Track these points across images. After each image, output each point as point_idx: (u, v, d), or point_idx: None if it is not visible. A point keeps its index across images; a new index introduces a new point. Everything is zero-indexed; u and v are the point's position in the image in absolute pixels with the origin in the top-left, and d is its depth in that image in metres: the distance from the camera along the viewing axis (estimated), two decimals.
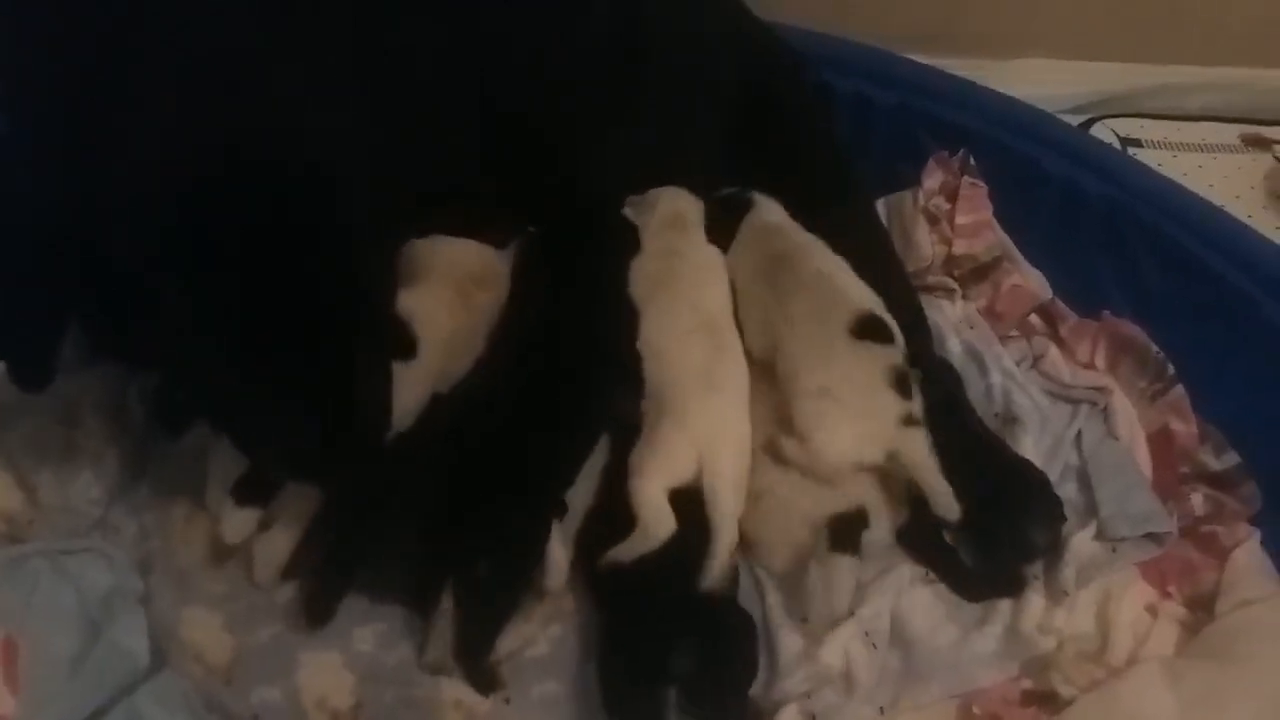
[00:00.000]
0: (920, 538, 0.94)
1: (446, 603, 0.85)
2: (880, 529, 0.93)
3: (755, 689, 0.86)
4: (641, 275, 1.03)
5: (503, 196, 1.06)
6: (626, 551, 0.86)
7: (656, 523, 0.86)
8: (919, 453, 0.92)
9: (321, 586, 0.87)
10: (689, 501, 0.88)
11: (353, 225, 0.83)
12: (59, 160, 0.74)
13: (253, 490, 0.87)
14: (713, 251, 1.06)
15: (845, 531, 0.89)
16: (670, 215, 1.07)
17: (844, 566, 0.89)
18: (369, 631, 0.88)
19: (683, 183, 1.09)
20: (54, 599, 0.83)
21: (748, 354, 1.00)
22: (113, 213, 0.74)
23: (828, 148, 1.16)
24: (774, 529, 0.92)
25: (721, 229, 1.07)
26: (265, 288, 0.78)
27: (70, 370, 0.99)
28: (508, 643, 0.87)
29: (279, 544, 0.88)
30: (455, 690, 0.85)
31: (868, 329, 0.98)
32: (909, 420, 0.94)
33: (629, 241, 1.05)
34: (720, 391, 0.95)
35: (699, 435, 0.91)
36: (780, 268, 1.03)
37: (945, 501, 0.92)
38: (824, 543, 0.89)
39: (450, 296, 1.00)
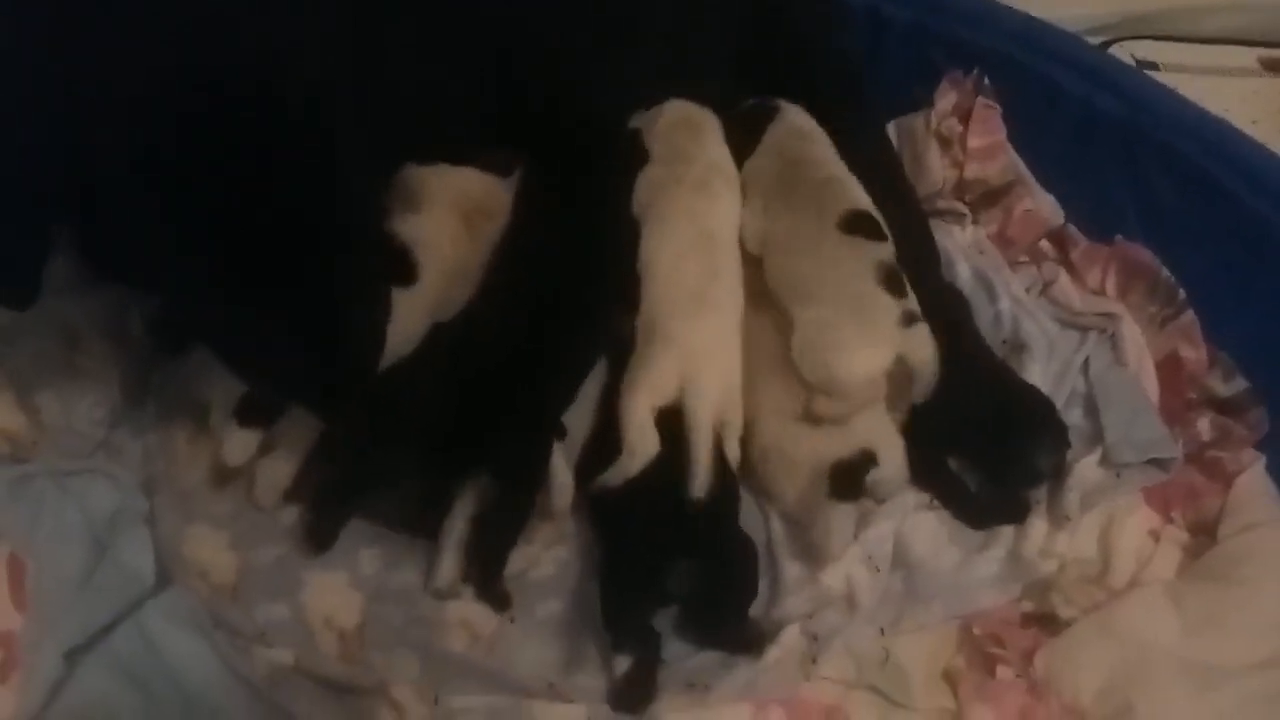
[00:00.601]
0: (924, 466, 0.94)
1: (452, 528, 0.86)
2: (891, 465, 0.91)
3: (756, 610, 0.87)
4: (645, 182, 1.01)
5: (505, 123, 1.04)
6: (615, 474, 0.86)
7: (640, 442, 0.86)
8: (924, 350, 0.91)
9: (321, 514, 0.88)
10: (675, 421, 0.88)
11: (340, 145, 0.82)
12: (45, 70, 0.73)
13: (255, 412, 0.87)
14: (722, 155, 1.03)
15: (847, 478, 0.88)
16: (679, 119, 1.04)
17: (843, 514, 0.88)
18: (374, 554, 0.88)
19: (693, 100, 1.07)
20: (60, 518, 0.84)
21: (752, 262, 0.98)
22: (97, 123, 0.72)
23: (839, 66, 1.13)
24: (778, 480, 0.92)
25: (744, 142, 1.04)
26: (250, 206, 0.76)
27: (71, 292, 0.99)
28: (513, 564, 0.87)
29: (280, 468, 0.88)
30: (461, 610, 0.86)
31: (858, 224, 0.96)
32: (909, 318, 0.92)
33: (633, 154, 1.03)
34: (713, 311, 0.94)
35: (685, 354, 0.90)
36: (795, 171, 1.01)
37: (926, 388, 0.91)
38: (824, 490, 0.88)
39: (455, 225, 0.98)
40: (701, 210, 0.99)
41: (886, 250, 0.95)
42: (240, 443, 0.87)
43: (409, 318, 0.92)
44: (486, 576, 0.85)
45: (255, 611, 0.84)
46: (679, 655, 0.85)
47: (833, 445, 0.89)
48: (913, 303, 0.93)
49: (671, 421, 0.88)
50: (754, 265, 0.98)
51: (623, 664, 0.82)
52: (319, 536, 0.87)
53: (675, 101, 1.07)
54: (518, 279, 0.97)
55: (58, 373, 0.94)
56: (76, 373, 0.94)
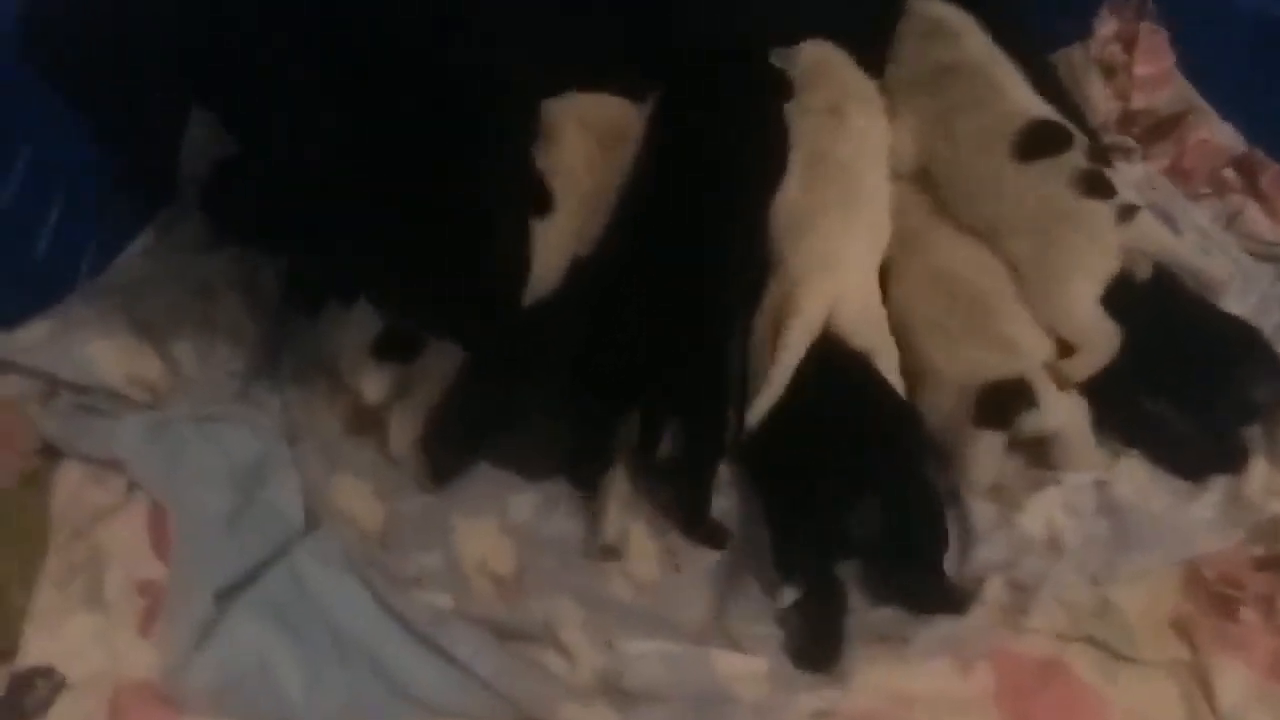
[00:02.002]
0: (1119, 413, 0.84)
1: (613, 479, 0.80)
2: (1051, 414, 0.80)
3: (948, 562, 0.78)
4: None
5: (643, 58, 1.00)
6: (754, 411, 0.78)
7: (774, 371, 0.79)
8: (1154, 234, 0.84)
9: (450, 445, 0.82)
10: (834, 349, 0.81)
11: (485, 76, 0.78)
12: None
13: (393, 347, 0.82)
14: (856, 80, 0.96)
15: (994, 402, 0.79)
16: (815, 60, 0.98)
17: (988, 441, 0.79)
18: (525, 499, 0.83)
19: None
20: (202, 462, 0.80)
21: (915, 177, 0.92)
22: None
23: None
24: (925, 398, 0.83)
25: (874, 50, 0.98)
26: (408, 128, 0.74)
27: (202, 249, 0.96)
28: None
29: (413, 414, 0.83)
30: (624, 560, 0.79)
31: (1034, 144, 0.88)
32: (1124, 214, 0.84)
33: (780, 85, 0.97)
34: (840, 237, 0.86)
35: (796, 278, 0.83)
36: (948, 76, 0.94)
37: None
38: (968, 412, 0.80)
39: (589, 150, 0.93)
40: (828, 137, 0.92)
41: (1077, 155, 0.87)
42: (378, 379, 0.82)
43: (549, 249, 0.86)
44: (695, 518, 0.79)
45: (407, 559, 0.78)
46: (868, 603, 0.77)
47: (988, 364, 0.81)
48: (1125, 195, 0.86)
49: (830, 351, 0.81)
50: (916, 181, 0.92)
51: (800, 619, 0.75)
52: (438, 471, 0.82)
53: (810, 43, 1.01)
54: (657, 206, 0.90)
55: (194, 325, 0.90)
56: (212, 325, 0.91)
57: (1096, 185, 0.85)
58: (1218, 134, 1.04)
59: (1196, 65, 1.05)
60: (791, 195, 0.89)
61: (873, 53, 0.99)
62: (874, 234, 0.88)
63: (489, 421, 0.82)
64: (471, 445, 0.83)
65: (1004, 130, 0.90)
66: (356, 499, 0.82)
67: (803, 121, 0.93)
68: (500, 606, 0.76)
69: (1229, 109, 1.04)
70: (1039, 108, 0.92)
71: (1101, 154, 0.89)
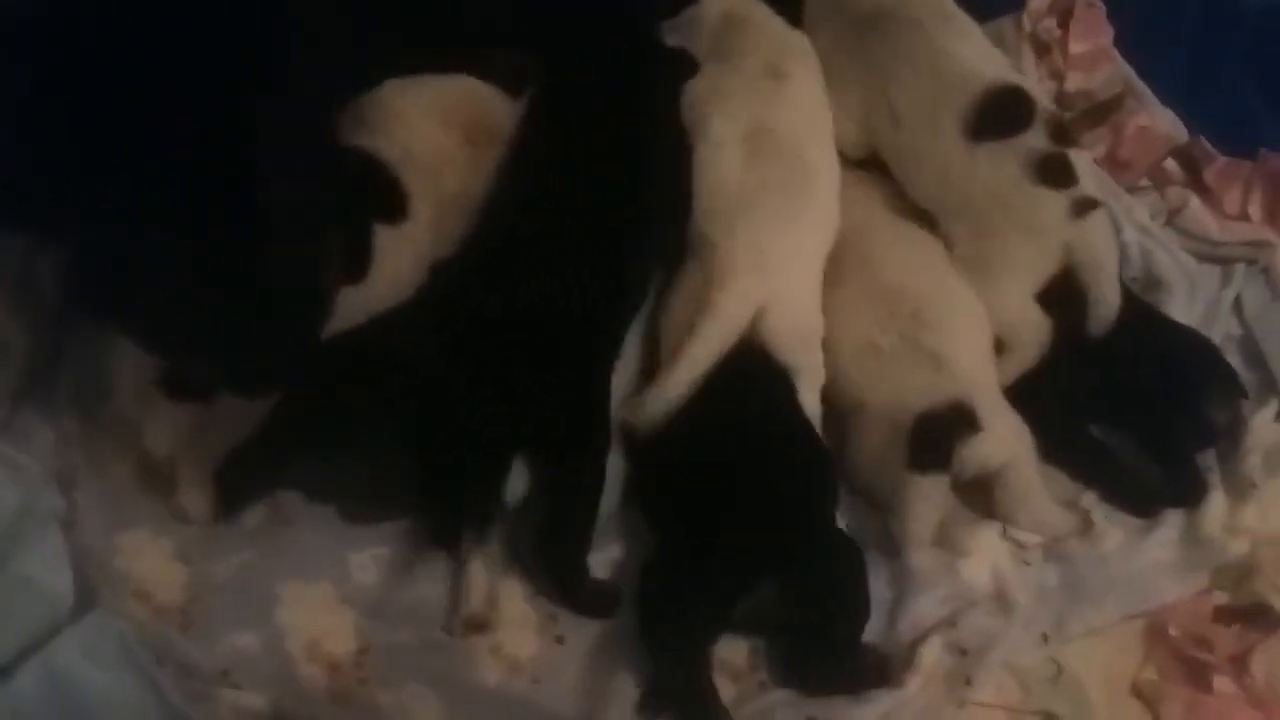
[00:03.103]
0: (1059, 438, 0.74)
1: (480, 536, 0.65)
2: (996, 438, 0.70)
3: (877, 622, 0.66)
4: (697, 88, 0.80)
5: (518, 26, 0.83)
6: (636, 408, 0.67)
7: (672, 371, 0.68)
8: (1095, 244, 0.74)
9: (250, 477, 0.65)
10: (752, 359, 0.69)
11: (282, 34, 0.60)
12: None
13: (187, 382, 0.65)
14: (784, 31, 0.83)
15: (931, 438, 0.68)
16: (720, 13, 0.84)
17: (925, 487, 0.68)
18: (368, 558, 0.67)
19: None
20: None
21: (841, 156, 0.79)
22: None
23: None
24: (850, 437, 0.72)
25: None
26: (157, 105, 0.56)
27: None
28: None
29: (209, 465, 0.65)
30: (493, 631, 0.65)
31: (988, 119, 0.77)
32: (1079, 207, 0.74)
33: (680, 67, 0.83)
34: (777, 221, 0.74)
35: (723, 271, 0.71)
36: (879, 37, 0.81)
37: (1103, 312, 0.75)
38: (901, 454, 0.68)
39: (453, 147, 0.77)
40: (766, 105, 0.78)
41: (1036, 136, 0.76)
42: (165, 422, 0.65)
43: (400, 259, 0.71)
44: (572, 581, 0.65)
45: (216, 642, 0.62)
46: (777, 682, 0.65)
47: (918, 389, 0.69)
48: (1084, 186, 0.76)
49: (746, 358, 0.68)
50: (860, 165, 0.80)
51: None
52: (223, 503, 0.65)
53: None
54: (538, 209, 0.75)
55: None
56: None
57: (1053, 172, 0.75)
58: (1158, 121, 0.95)
59: (1137, 45, 0.95)
60: (726, 173, 0.75)
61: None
62: (819, 227, 0.75)
63: (311, 449, 0.66)
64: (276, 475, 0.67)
65: (951, 101, 0.79)
66: (152, 562, 0.65)
67: (734, 83, 0.79)
68: (332, 704, 0.60)
69: (1168, 93, 0.95)
70: (995, 67, 0.80)
71: (1064, 132, 0.78)
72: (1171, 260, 0.88)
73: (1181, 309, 0.85)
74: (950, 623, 0.67)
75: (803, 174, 0.75)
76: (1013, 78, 0.80)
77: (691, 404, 0.68)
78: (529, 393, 0.67)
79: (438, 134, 0.78)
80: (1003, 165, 0.76)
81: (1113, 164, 0.95)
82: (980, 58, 0.81)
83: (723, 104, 0.78)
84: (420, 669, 0.62)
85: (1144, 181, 0.94)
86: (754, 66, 0.79)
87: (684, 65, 0.83)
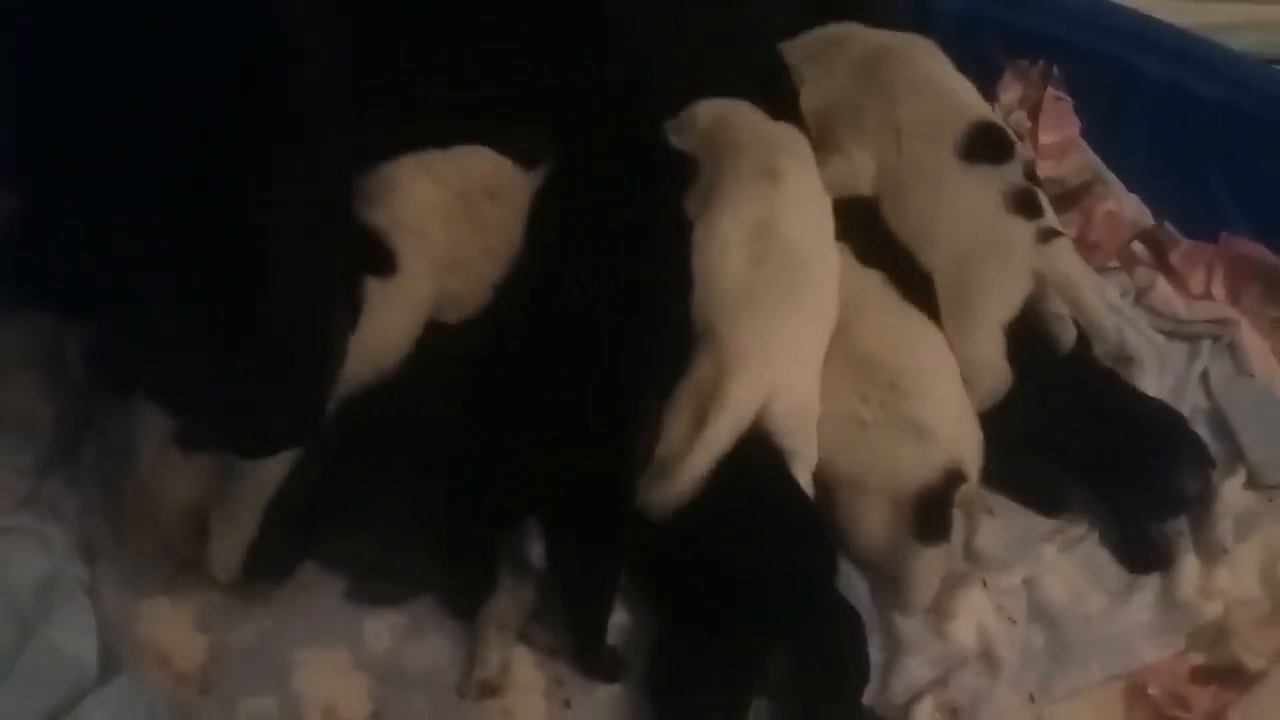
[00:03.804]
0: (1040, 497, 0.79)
1: (495, 604, 0.68)
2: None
3: (868, 690, 0.68)
4: (695, 190, 0.84)
5: (531, 108, 0.89)
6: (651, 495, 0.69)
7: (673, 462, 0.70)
8: (1063, 266, 0.79)
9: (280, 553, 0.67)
10: (753, 443, 0.71)
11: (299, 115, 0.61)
12: None
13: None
14: (773, 130, 0.86)
15: (935, 511, 0.71)
16: (712, 119, 0.88)
17: (931, 557, 0.71)
18: (383, 626, 0.69)
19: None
20: None
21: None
22: None
23: None
24: (846, 514, 0.75)
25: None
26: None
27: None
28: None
29: (237, 521, 0.66)
30: (502, 696, 0.67)
31: (978, 145, 0.83)
32: (1046, 235, 0.80)
33: (684, 170, 0.86)
34: (776, 311, 0.77)
35: (727, 362, 0.74)
36: (881, 66, 0.88)
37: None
38: (906, 529, 0.72)
39: (448, 204, 0.80)
40: (765, 206, 0.82)
41: (1015, 171, 0.83)
42: (183, 479, 0.66)
43: (394, 314, 0.74)
44: (590, 646, 0.68)
45: (235, 707, 0.64)
46: None
47: (908, 464, 0.73)
48: (1051, 218, 0.82)
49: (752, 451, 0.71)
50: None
51: None
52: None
53: (702, 103, 0.92)
54: (553, 288, 0.79)
55: None
56: None
57: (1025, 204, 0.81)
58: (1125, 206, 1.01)
59: (1102, 135, 1.02)
60: (731, 270, 0.78)
61: (778, 95, 0.91)
62: (819, 318, 0.79)
63: (331, 521, 0.68)
64: (306, 547, 0.69)
65: (950, 124, 0.85)
66: (171, 631, 0.67)
67: (735, 187, 0.83)
68: None
69: (1134, 180, 1.01)
70: (981, 106, 0.87)
71: (1034, 174, 0.86)
72: (1141, 337, 0.92)
73: (1152, 383, 0.88)
74: (941, 683, 0.69)
75: (803, 269, 0.79)
76: (993, 117, 0.88)
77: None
78: (545, 458, 0.70)
79: (425, 194, 0.80)
80: (988, 188, 0.82)
81: (1084, 246, 1.00)
82: (968, 93, 0.88)
83: (724, 205, 0.82)
84: None
85: (1113, 263, 1.00)
86: (749, 168, 0.83)
87: (687, 168, 0.86)
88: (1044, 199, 0.84)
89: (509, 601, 0.69)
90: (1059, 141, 1.02)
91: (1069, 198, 1.02)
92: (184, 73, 0.56)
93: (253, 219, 0.59)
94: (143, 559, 0.70)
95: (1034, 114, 1.02)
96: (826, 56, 0.91)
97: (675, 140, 0.89)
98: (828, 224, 0.82)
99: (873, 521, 0.73)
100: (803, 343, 0.77)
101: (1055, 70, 1.02)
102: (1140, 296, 0.98)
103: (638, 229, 0.83)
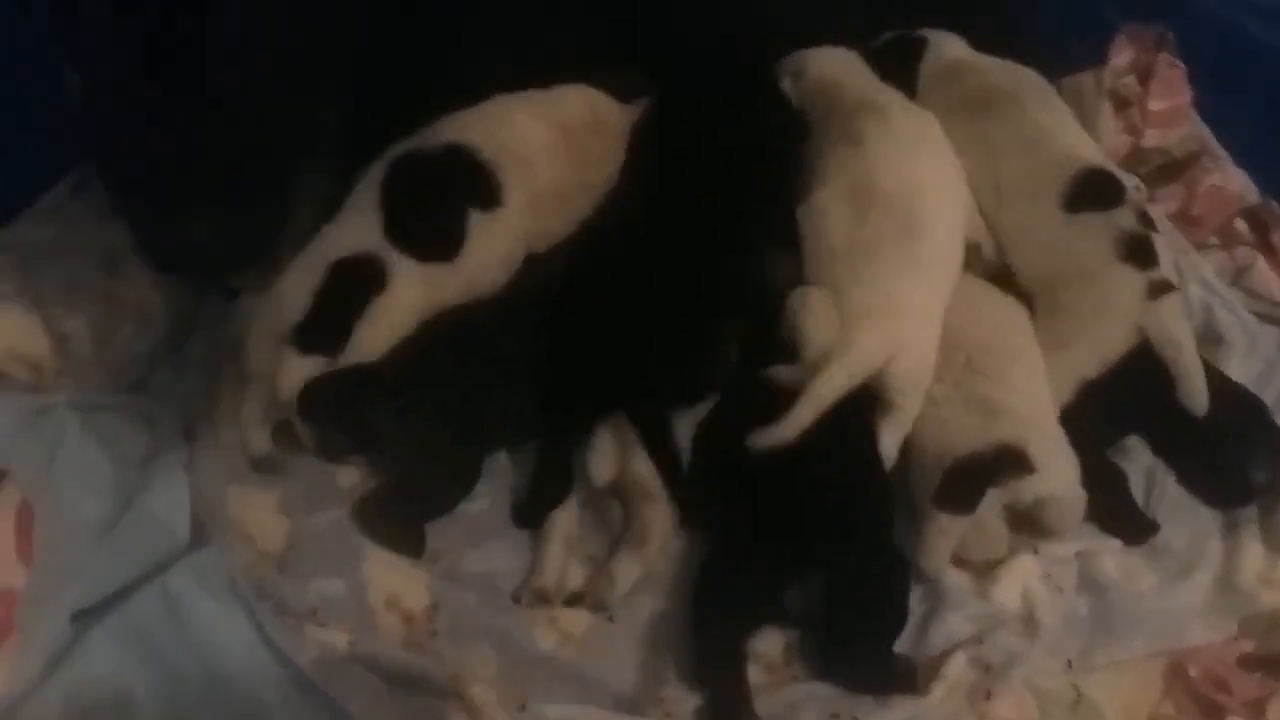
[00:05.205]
0: (1107, 502, 0.76)
1: (556, 518, 0.73)
2: (1057, 476, 0.73)
3: (910, 631, 0.70)
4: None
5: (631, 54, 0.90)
6: (779, 434, 0.70)
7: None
8: (1169, 326, 0.76)
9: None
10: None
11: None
12: None
13: (318, 335, 0.72)
14: (870, 88, 0.86)
15: (964, 479, 0.71)
16: (817, 77, 0.89)
17: (942, 525, 0.71)
18: (448, 529, 0.74)
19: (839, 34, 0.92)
20: (82, 458, 0.70)
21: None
22: None
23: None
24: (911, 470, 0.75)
25: (896, 78, 0.89)
26: None
27: (114, 216, 0.85)
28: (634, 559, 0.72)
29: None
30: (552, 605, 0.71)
31: (1084, 193, 0.81)
32: (1155, 289, 0.77)
33: (796, 126, 0.87)
34: (882, 268, 0.77)
35: (895, 323, 0.74)
36: (987, 115, 0.86)
37: (1194, 386, 0.75)
38: (931, 491, 0.72)
39: (553, 141, 0.83)
40: (850, 164, 0.82)
41: (1126, 214, 0.80)
42: (298, 370, 0.71)
43: (494, 243, 0.78)
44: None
45: (307, 585, 0.69)
46: (811, 675, 0.69)
47: (968, 433, 0.73)
48: (1163, 269, 0.79)
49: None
50: None
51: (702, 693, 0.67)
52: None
53: (813, 53, 0.92)
54: (651, 205, 0.82)
55: (94, 300, 0.80)
56: (115, 301, 0.81)
57: (1137, 251, 0.79)
58: (1231, 181, 0.97)
59: (1215, 106, 0.98)
60: (839, 229, 0.79)
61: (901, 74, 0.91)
62: (939, 270, 0.78)
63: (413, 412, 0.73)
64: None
65: (1053, 177, 0.83)
66: (257, 512, 0.73)
67: (825, 156, 0.83)
68: (404, 651, 0.67)
69: (1245, 155, 0.97)
70: (1091, 152, 0.85)
71: (1148, 218, 0.83)
72: (1233, 317, 0.90)
73: (1238, 365, 0.86)
74: (977, 639, 0.70)
75: (911, 219, 0.78)
76: (1104, 163, 0.85)
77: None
78: (628, 375, 0.73)
79: (532, 127, 0.84)
80: (1094, 236, 0.80)
81: (1184, 220, 0.98)
82: (1076, 140, 0.86)
83: (818, 175, 0.82)
84: (484, 629, 0.69)
85: (1213, 240, 0.97)
86: (836, 134, 0.83)
87: (799, 125, 0.88)
88: (1159, 246, 0.80)
89: (575, 516, 0.73)
90: (1168, 109, 0.99)
91: (1174, 168, 0.99)
92: None
93: (235, 40, 0.65)
94: (234, 446, 0.76)
95: (1145, 78, 0.99)
96: (941, 88, 0.89)
97: (785, 84, 0.90)
98: (937, 173, 0.81)
99: (916, 479, 0.74)
100: (922, 298, 0.77)
101: (1171, 35, 0.98)
102: (1238, 276, 0.95)
103: (739, 163, 0.84)
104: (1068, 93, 1.01)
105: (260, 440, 0.73)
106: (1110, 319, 0.77)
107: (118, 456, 0.71)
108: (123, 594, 0.64)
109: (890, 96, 0.86)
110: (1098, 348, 0.76)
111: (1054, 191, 0.82)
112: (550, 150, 0.83)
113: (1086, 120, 0.99)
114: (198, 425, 0.76)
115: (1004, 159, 0.84)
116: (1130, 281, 0.77)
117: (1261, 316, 0.92)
